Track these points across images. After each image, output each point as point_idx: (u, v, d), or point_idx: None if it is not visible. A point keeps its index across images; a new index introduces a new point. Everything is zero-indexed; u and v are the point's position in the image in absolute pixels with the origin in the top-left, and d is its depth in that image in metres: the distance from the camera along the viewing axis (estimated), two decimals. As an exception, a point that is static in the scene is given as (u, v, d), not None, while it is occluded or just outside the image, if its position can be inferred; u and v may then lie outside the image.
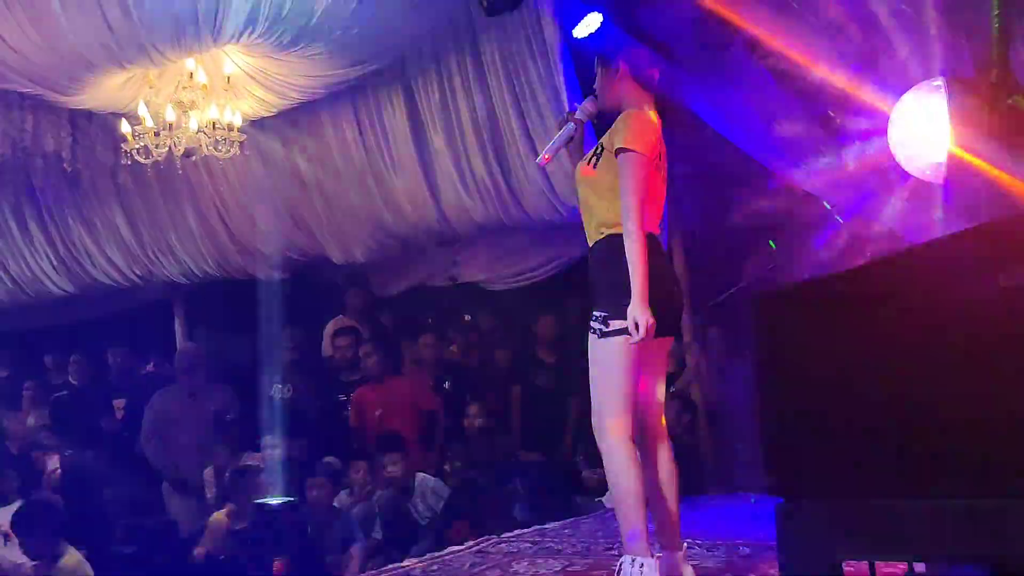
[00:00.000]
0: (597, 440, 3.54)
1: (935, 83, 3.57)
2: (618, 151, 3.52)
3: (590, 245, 3.66)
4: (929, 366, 1.73)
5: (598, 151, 3.63)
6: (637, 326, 3.37)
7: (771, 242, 6.09)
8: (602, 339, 3.49)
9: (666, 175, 3.69)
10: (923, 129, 3.56)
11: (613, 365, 3.47)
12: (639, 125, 3.55)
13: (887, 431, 1.74)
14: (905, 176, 3.93)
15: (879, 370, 1.76)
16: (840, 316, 1.85)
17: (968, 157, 3.43)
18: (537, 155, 3.95)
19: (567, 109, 5.05)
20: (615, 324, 3.45)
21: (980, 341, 1.71)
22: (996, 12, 3.48)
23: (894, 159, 3.80)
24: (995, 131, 3.42)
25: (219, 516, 6.51)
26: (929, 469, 1.72)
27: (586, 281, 3.66)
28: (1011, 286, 1.90)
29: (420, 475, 6.47)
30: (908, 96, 3.65)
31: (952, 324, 1.76)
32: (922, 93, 3.60)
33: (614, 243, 3.52)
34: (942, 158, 3.53)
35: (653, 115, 3.66)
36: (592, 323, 3.53)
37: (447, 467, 6.89)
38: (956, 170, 3.49)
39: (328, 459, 6.89)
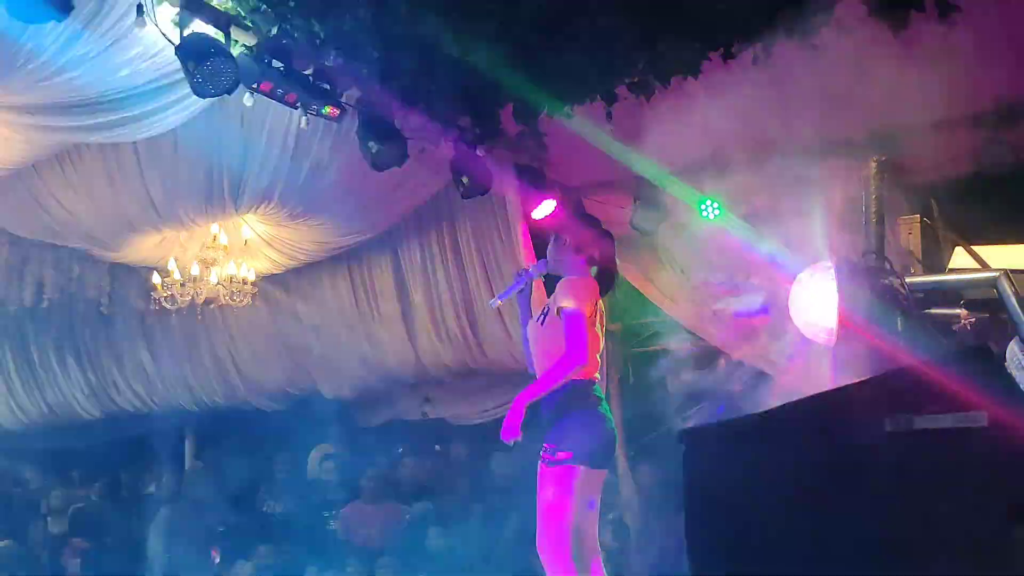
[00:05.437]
0: (541, 556, 3.48)
1: (826, 264, 3.69)
2: (560, 310, 3.57)
3: None
4: (831, 504, 1.70)
5: (545, 311, 3.68)
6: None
7: None
8: (551, 467, 3.49)
9: (603, 332, 3.74)
10: (817, 301, 3.66)
11: (559, 491, 3.46)
12: (577, 289, 3.61)
13: (805, 567, 1.69)
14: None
15: (790, 506, 1.73)
16: (753, 452, 1.83)
17: (853, 325, 3.52)
18: (494, 301, 4.03)
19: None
20: (561, 455, 3.47)
21: (872, 481, 1.70)
22: (874, 210, 3.64)
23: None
24: (874, 305, 3.53)
25: None
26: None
27: (535, 421, 3.64)
28: (896, 431, 1.92)
29: None
30: (804, 274, 3.77)
31: (847, 465, 1.75)
32: (816, 272, 3.72)
33: (568, 389, 3.54)
34: (832, 325, 3.62)
35: (592, 283, 3.72)
36: (543, 452, 3.54)
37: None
38: (844, 335, 3.58)
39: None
